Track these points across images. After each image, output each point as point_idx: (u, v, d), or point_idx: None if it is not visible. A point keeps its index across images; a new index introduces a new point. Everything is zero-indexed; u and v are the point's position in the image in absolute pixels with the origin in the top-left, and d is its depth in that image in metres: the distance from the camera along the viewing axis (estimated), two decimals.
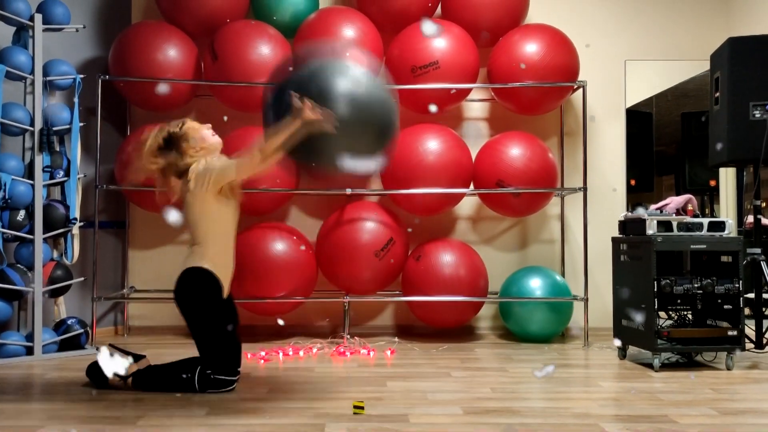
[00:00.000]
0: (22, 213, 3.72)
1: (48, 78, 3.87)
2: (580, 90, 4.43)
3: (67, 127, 3.91)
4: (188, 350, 4.01)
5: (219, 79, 4.26)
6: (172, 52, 4.29)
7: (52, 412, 2.59)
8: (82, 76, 4.03)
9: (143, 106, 4.50)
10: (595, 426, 2.43)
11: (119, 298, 4.57)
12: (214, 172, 2.84)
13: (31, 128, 3.79)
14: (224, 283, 2.95)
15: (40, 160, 3.79)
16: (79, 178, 3.98)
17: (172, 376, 2.88)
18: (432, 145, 4.26)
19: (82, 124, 4.01)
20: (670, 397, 2.88)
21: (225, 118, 4.54)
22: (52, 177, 3.86)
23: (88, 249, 4.29)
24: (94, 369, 2.97)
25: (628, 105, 4.90)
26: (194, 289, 2.90)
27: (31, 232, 3.74)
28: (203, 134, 2.98)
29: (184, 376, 2.85)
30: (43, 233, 3.77)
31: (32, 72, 3.80)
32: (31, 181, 3.75)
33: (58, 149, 3.93)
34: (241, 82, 4.22)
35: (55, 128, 3.84)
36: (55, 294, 3.88)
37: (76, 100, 3.94)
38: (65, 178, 3.91)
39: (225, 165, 2.85)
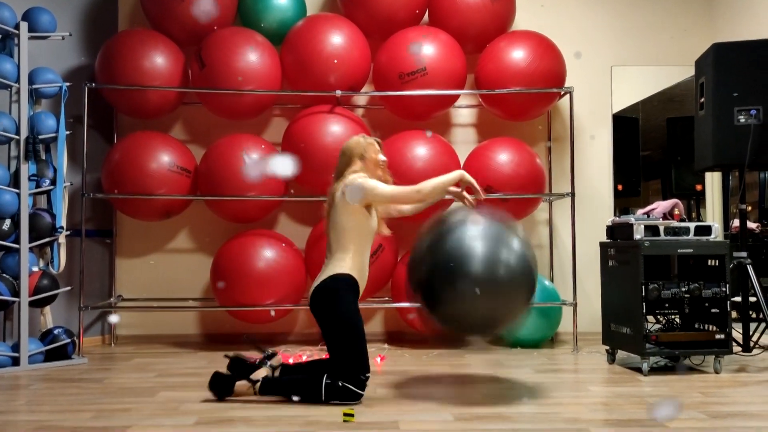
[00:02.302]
0: (7, 222, 3.69)
1: (34, 86, 3.84)
2: (567, 96, 4.45)
3: (54, 135, 3.88)
4: (176, 358, 4.00)
5: (206, 87, 4.25)
6: (160, 60, 4.28)
7: (39, 423, 2.56)
8: (68, 84, 4.01)
9: (130, 114, 4.48)
10: (585, 430, 2.43)
11: (106, 307, 4.54)
12: (368, 190, 2.85)
13: (17, 137, 3.76)
14: (362, 283, 2.94)
15: (26, 169, 3.76)
16: (65, 187, 3.95)
17: (298, 383, 2.81)
18: (420, 151, 4.26)
19: (68, 132, 3.98)
20: (659, 401, 2.89)
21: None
22: (38, 186, 3.83)
23: (74, 258, 4.26)
24: (217, 379, 2.91)
25: (615, 111, 4.94)
26: (339, 294, 2.85)
27: (17, 241, 3.71)
28: (377, 166, 3.01)
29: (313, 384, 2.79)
30: (30, 242, 3.74)
31: (18, 80, 3.77)
32: (16, 190, 3.72)
33: (44, 158, 3.90)
34: (228, 89, 4.21)
35: (41, 136, 3.82)
36: (41, 304, 3.84)
37: (62, 108, 3.92)
38: (51, 187, 3.88)
39: (380, 189, 2.87)
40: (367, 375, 2.83)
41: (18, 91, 3.79)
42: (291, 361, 3.84)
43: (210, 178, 4.25)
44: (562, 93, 4.48)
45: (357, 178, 2.90)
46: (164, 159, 4.24)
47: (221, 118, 4.52)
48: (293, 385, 2.81)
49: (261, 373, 2.88)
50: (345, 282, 2.87)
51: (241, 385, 2.87)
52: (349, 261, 2.88)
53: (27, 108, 3.80)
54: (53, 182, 3.89)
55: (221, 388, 2.89)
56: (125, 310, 4.65)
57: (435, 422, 2.56)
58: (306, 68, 4.31)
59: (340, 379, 2.77)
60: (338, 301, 2.85)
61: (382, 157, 3.04)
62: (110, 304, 4.57)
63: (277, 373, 2.99)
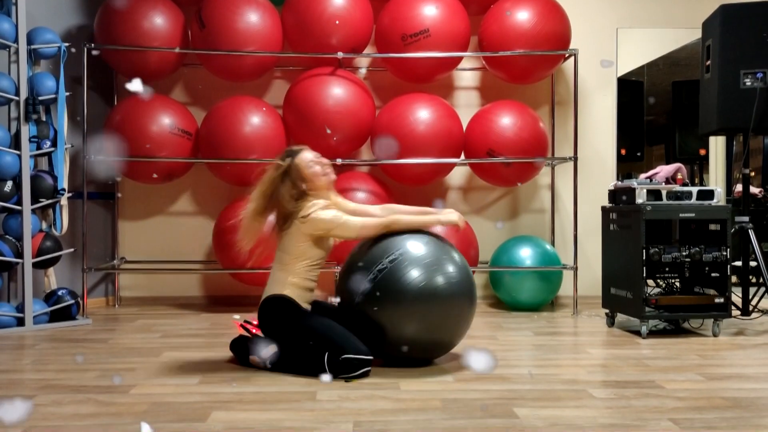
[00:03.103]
0: (9, 184, 3.69)
1: (32, 46, 3.80)
2: (572, 58, 4.40)
3: (53, 96, 3.86)
4: (180, 320, 4.04)
5: (207, 48, 4.21)
6: (159, 20, 4.23)
7: (44, 382, 2.60)
8: (67, 44, 3.96)
9: (130, 75, 4.42)
10: (583, 391, 2.46)
11: (110, 269, 4.56)
12: (335, 226, 2.78)
13: (17, 98, 3.73)
14: (303, 301, 2.85)
15: (26, 130, 3.74)
16: (66, 149, 3.94)
17: (305, 362, 2.73)
18: (423, 114, 4.23)
19: (68, 93, 3.95)
20: (657, 363, 2.92)
21: (199, 86, 4.58)
22: (38, 147, 3.82)
23: (77, 220, 4.27)
24: (238, 344, 2.92)
25: (620, 74, 4.88)
26: (276, 314, 2.82)
27: (19, 203, 3.71)
28: (313, 172, 2.87)
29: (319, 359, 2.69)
30: (31, 204, 3.74)
31: (16, 40, 3.73)
32: (17, 152, 3.71)
33: (44, 119, 3.88)
34: (229, 50, 4.16)
35: (40, 98, 3.79)
36: (44, 265, 3.86)
37: (61, 69, 3.88)
38: (52, 149, 3.87)
39: (349, 224, 2.80)
40: (366, 349, 2.70)
41: (17, 52, 3.75)
42: None
43: (211, 141, 4.23)
44: (567, 55, 4.42)
45: (320, 211, 2.79)
46: (165, 121, 4.22)
47: (222, 79, 4.48)
48: (301, 364, 2.75)
49: (272, 349, 2.82)
50: (280, 303, 2.80)
51: (254, 359, 2.85)
52: (290, 280, 2.82)
53: (26, 68, 3.76)
54: (54, 144, 3.88)
55: (240, 354, 2.90)
56: (128, 272, 4.68)
57: (435, 383, 2.59)
58: (307, 29, 4.26)
59: (338, 355, 2.64)
60: (278, 323, 2.80)
61: (317, 169, 2.87)
62: (113, 266, 4.60)
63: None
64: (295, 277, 2.83)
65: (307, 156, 2.90)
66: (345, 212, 2.90)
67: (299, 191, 2.85)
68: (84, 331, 3.70)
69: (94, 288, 4.61)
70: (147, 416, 2.17)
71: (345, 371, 2.62)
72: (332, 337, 2.69)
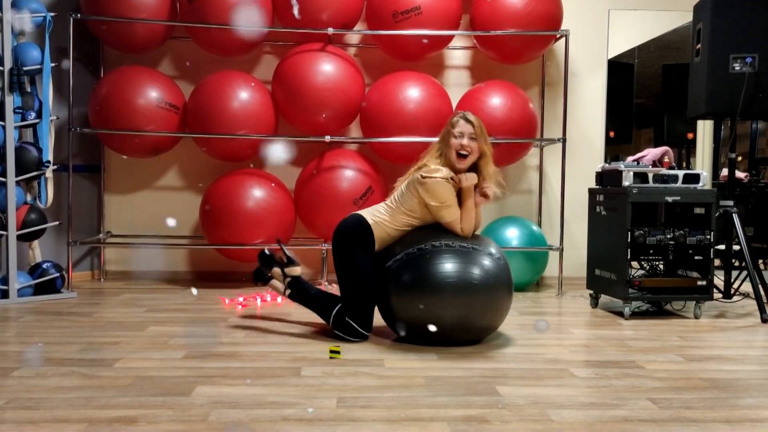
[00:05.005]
0: None
1: (17, 15, 3.73)
2: (563, 40, 4.38)
3: (38, 67, 3.80)
4: (165, 294, 4.03)
5: (195, 21, 4.15)
6: None
7: (28, 355, 2.59)
8: (52, 14, 3.90)
9: (116, 47, 4.38)
10: (565, 371, 2.49)
11: (95, 243, 4.54)
12: (432, 202, 2.85)
13: (1, 68, 3.67)
14: (378, 244, 2.93)
15: (11, 101, 3.69)
16: (51, 121, 3.89)
17: (319, 302, 3.01)
18: (412, 93, 4.21)
19: (53, 64, 3.90)
20: (638, 344, 2.96)
21: (187, 63, 4.53)
22: (23, 119, 3.77)
23: (62, 193, 4.23)
24: (264, 257, 3.16)
25: (611, 56, 4.87)
26: (352, 232, 2.90)
27: (4, 174, 3.67)
28: (453, 146, 2.91)
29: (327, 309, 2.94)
30: (16, 176, 3.70)
31: (0, 9, 3.66)
32: (1, 123, 3.66)
33: (29, 90, 3.83)
34: (217, 24, 4.11)
35: (25, 68, 3.73)
36: (29, 237, 3.83)
37: (46, 39, 3.82)
38: (37, 120, 3.82)
39: (444, 211, 2.87)
40: (370, 327, 2.93)
41: (0, 21, 3.69)
42: (279, 300, 3.89)
43: (199, 116, 4.19)
44: (558, 36, 4.41)
45: (438, 183, 2.82)
46: (152, 95, 4.18)
47: (210, 53, 4.43)
48: (316, 302, 3.01)
49: (296, 271, 3.09)
50: (362, 224, 2.89)
51: (276, 279, 3.11)
52: (383, 219, 2.91)
53: (10, 38, 3.70)
54: (39, 115, 3.83)
55: (265, 262, 3.17)
56: (114, 246, 4.66)
57: (419, 360, 2.62)
58: (298, 4, 4.20)
59: (347, 314, 2.88)
60: (350, 241, 2.90)
61: (456, 142, 2.89)
62: (99, 240, 4.58)
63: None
64: (390, 222, 2.93)
65: (461, 125, 2.91)
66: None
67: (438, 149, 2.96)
68: (69, 304, 3.69)
69: (80, 261, 4.59)
70: (131, 390, 2.17)
71: (341, 330, 2.88)
72: (357, 292, 2.87)
